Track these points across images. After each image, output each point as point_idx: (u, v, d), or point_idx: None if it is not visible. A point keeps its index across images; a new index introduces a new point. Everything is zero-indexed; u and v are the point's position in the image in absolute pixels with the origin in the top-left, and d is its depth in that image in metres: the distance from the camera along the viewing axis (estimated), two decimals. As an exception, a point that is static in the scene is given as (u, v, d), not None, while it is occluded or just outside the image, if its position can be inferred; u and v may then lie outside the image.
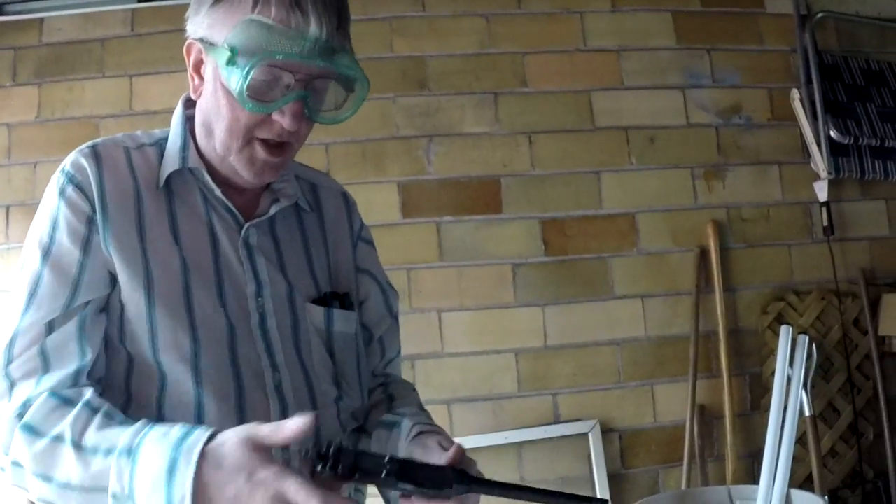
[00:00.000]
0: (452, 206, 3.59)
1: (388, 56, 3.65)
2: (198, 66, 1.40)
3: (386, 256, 3.55)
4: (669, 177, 3.72)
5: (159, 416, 1.30)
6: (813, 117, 3.75)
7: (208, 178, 1.42)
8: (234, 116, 1.35)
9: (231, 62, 1.28)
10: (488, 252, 3.59)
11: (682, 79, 3.80)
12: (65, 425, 1.19)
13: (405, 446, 1.37)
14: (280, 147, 1.39)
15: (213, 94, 1.37)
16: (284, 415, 1.36)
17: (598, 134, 3.71)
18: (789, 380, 1.66)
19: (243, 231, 1.43)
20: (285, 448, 1.26)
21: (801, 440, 3.33)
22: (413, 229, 3.56)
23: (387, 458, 1.13)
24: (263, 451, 1.09)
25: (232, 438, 1.10)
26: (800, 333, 1.73)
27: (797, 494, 1.66)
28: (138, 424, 1.18)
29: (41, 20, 3.59)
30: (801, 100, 3.78)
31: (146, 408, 1.31)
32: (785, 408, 1.66)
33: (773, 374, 1.71)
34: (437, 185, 3.60)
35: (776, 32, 3.89)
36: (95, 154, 1.39)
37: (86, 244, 1.32)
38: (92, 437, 1.18)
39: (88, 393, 1.25)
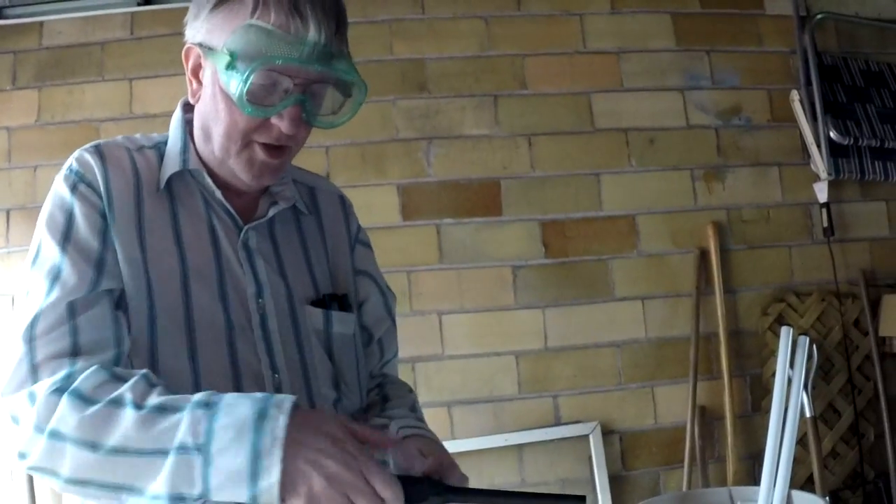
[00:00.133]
0: (452, 208, 3.59)
1: (388, 58, 3.65)
2: (196, 70, 1.41)
3: (386, 259, 3.55)
4: (669, 178, 3.72)
5: None
6: (813, 118, 3.75)
7: (209, 181, 1.43)
8: (232, 120, 1.35)
9: (230, 66, 1.29)
10: (488, 254, 3.59)
11: (681, 80, 3.80)
12: (123, 391, 1.17)
13: (391, 451, 1.37)
14: (279, 149, 1.39)
15: (211, 98, 1.38)
16: None
17: (597, 135, 3.71)
18: (790, 381, 1.66)
19: (242, 233, 1.44)
20: None
21: (801, 441, 3.33)
22: (413, 231, 3.56)
23: None
24: (348, 425, 1.17)
25: (322, 410, 1.19)
26: (800, 334, 1.73)
27: (798, 495, 1.66)
28: (208, 391, 1.18)
29: (41, 24, 3.59)
30: (801, 101, 3.78)
31: None
32: (786, 409, 1.65)
33: (773, 375, 1.70)
34: (436, 187, 3.60)
35: (776, 34, 3.89)
36: (101, 153, 1.39)
37: (104, 236, 1.33)
38: (155, 399, 1.16)
39: (141, 371, 1.22)
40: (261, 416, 1.11)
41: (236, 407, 1.13)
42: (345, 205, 1.71)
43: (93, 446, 1.14)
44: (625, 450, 3.57)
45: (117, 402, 1.16)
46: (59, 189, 1.36)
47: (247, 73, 1.27)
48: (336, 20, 1.33)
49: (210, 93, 1.38)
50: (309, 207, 1.60)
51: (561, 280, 3.60)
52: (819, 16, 3.87)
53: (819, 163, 3.73)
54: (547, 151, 3.67)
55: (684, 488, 3.46)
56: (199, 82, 1.41)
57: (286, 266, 1.49)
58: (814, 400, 3.49)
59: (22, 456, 1.19)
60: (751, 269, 3.73)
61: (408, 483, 1.16)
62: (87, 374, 1.19)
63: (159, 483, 1.11)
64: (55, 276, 1.28)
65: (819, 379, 3.62)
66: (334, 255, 1.60)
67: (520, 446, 3.50)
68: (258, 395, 1.16)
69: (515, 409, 3.54)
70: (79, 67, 3.58)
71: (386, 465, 1.34)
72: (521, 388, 3.55)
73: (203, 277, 1.38)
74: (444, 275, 3.56)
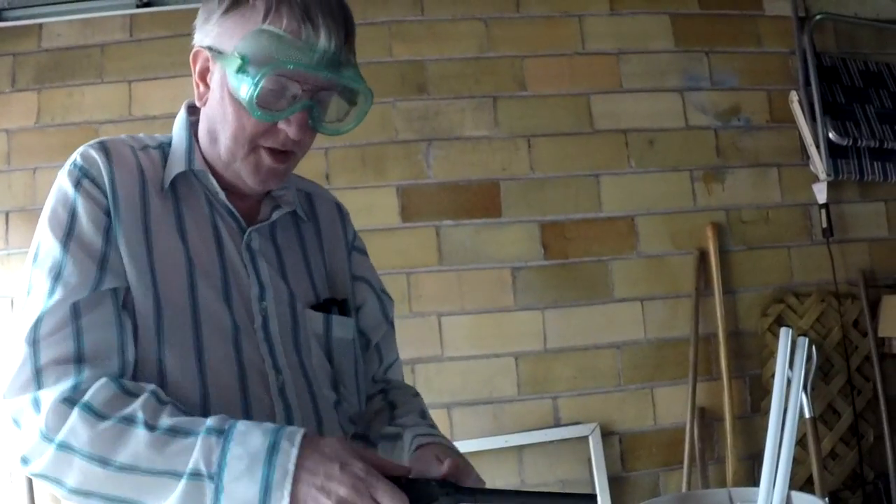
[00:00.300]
0: (452, 209, 3.60)
1: (388, 60, 3.66)
2: (204, 73, 1.42)
3: (386, 260, 3.57)
4: (669, 179, 3.72)
5: None
6: (812, 119, 3.75)
7: (213, 182, 1.44)
8: (239, 124, 1.36)
9: (241, 70, 1.30)
10: (488, 256, 3.59)
11: (680, 81, 3.80)
12: (135, 408, 1.18)
13: (408, 461, 1.40)
14: (284, 154, 1.41)
15: (219, 101, 1.38)
16: (289, 417, 1.37)
17: (597, 137, 3.71)
18: (789, 382, 1.66)
19: (246, 235, 1.44)
20: None
21: (801, 442, 3.33)
22: (413, 233, 3.56)
23: None
24: (358, 450, 1.20)
25: (331, 437, 1.21)
26: (800, 335, 1.73)
27: (798, 496, 1.66)
28: (219, 415, 1.21)
29: (40, 26, 3.59)
30: (800, 102, 3.78)
31: None
32: (785, 410, 1.65)
33: (772, 376, 1.70)
34: (436, 188, 3.61)
35: (775, 34, 3.90)
36: (106, 149, 1.39)
37: (107, 233, 1.32)
38: (167, 420, 1.18)
39: (150, 386, 1.24)
40: (273, 449, 1.15)
41: (248, 437, 1.16)
42: (341, 212, 1.72)
43: (103, 462, 1.16)
44: (624, 451, 3.57)
45: (129, 420, 1.18)
46: (62, 184, 1.35)
47: (258, 78, 1.29)
48: (345, 29, 1.35)
49: (218, 96, 1.38)
50: (307, 213, 1.62)
51: (560, 281, 3.60)
52: (818, 16, 3.88)
53: (818, 163, 3.73)
54: (546, 153, 3.67)
55: (684, 489, 3.46)
56: (207, 85, 1.42)
57: (288, 269, 1.50)
58: (813, 401, 3.49)
59: (25, 461, 1.20)
60: (750, 270, 3.73)
61: (419, 485, 1.20)
62: (98, 388, 1.20)
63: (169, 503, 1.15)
64: (57, 275, 1.27)
65: (818, 380, 3.63)
66: (332, 261, 1.61)
67: (519, 447, 3.51)
68: (269, 425, 1.19)
69: (515, 410, 3.54)
70: (78, 69, 3.58)
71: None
72: (520, 389, 3.55)
73: (208, 277, 1.38)
74: (444, 276, 3.57)
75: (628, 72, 3.78)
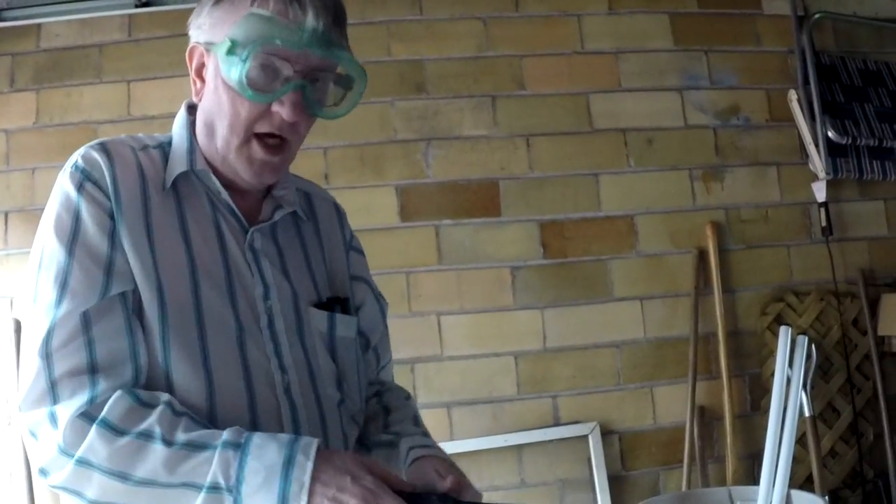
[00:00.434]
0: (451, 209, 3.59)
1: (386, 60, 3.66)
2: (199, 69, 1.43)
3: (385, 260, 3.57)
4: (668, 178, 3.72)
5: None
6: (811, 118, 3.75)
7: (215, 181, 1.44)
8: (235, 111, 1.37)
9: (230, 52, 1.32)
10: (487, 255, 3.59)
11: (679, 80, 3.80)
12: (151, 423, 1.20)
13: (404, 472, 1.42)
14: (279, 147, 1.41)
15: (214, 91, 1.40)
16: (294, 417, 1.38)
17: (596, 136, 3.71)
18: (789, 380, 1.66)
19: (249, 235, 1.44)
20: None
21: (801, 441, 3.33)
22: (412, 233, 3.56)
23: None
24: (367, 464, 1.23)
25: (343, 451, 1.30)
26: (799, 334, 1.73)
27: (797, 495, 1.66)
28: (234, 427, 1.24)
29: (39, 26, 3.59)
30: (799, 100, 3.78)
31: None
32: (785, 408, 1.66)
33: (772, 374, 1.71)
34: (435, 188, 3.60)
35: (773, 33, 3.90)
36: (107, 150, 1.39)
37: (112, 237, 1.32)
38: (183, 434, 1.21)
39: (165, 396, 1.26)
40: (288, 463, 1.18)
41: (265, 450, 1.20)
42: (339, 212, 1.73)
43: (122, 477, 1.19)
44: (624, 450, 3.57)
45: (147, 436, 1.20)
46: (64, 187, 1.34)
47: (245, 54, 1.31)
48: (334, 12, 1.37)
49: (213, 87, 1.40)
50: (307, 213, 1.62)
51: (560, 280, 3.60)
52: (817, 15, 3.88)
53: (817, 162, 3.73)
54: (545, 152, 3.67)
55: (684, 488, 3.46)
56: (203, 81, 1.43)
57: (289, 268, 1.50)
58: (813, 399, 3.49)
59: (44, 473, 1.23)
60: (749, 269, 3.73)
61: (422, 500, 1.25)
62: (114, 402, 1.21)
63: None
64: (64, 283, 1.27)
65: (818, 378, 3.63)
66: (331, 260, 1.61)
67: (519, 447, 3.50)
68: (283, 437, 1.22)
69: (515, 409, 3.54)
70: (77, 69, 3.57)
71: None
72: (520, 388, 3.55)
73: (212, 277, 1.38)
74: (443, 276, 3.56)
75: (627, 71, 3.78)
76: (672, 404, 3.59)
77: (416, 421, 1.61)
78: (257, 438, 1.21)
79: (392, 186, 3.59)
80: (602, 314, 3.62)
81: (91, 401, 1.21)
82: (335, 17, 1.37)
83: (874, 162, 3.79)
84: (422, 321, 3.54)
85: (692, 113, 3.79)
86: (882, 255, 3.83)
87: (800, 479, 3.49)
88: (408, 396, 1.70)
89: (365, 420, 1.60)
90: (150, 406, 1.23)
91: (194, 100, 1.46)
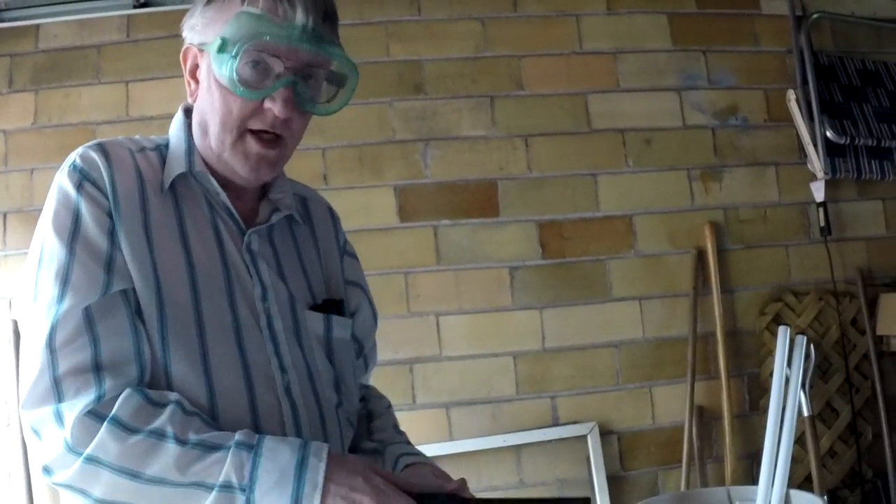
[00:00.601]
0: (449, 209, 3.59)
1: (385, 60, 3.65)
2: (193, 70, 1.44)
3: (383, 260, 3.57)
4: (666, 178, 3.73)
5: None
6: (809, 118, 3.75)
7: (214, 182, 1.44)
8: (226, 108, 1.38)
9: (221, 49, 1.33)
10: (486, 255, 3.59)
11: (678, 80, 3.81)
12: (163, 422, 1.21)
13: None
14: (274, 141, 1.41)
15: (207, 90, 1.40)
16: (295, 417, 1.39)
17: (594, 136, 3.71)
18: (787, 380, 1.66)
19: (246, 237, 1.45)
20: None
21: (799, 440, 3.34)
22: (410, 233, 3.56)
23: None
24: (374, 467, 1.28)
25: (350, 455, 1.35)
26: (798, 334, 1.73)
27: (796, 495, 1.66)
28: (244, 430, 1.25)
29: (37, 27, 3.59)
30: (798, 100, 3.78)
31: None
32: (783, 408, 1.65)
33: (771, 374, 1.71)
34: (434, 188, 3.60)
35: (772, 33, 3.90)
36: (105, 151, 1.39)
37: (112, 235, 1.32)
38: (195, 434, 1.22)
39: (174, 395, 1.26)
40: (301, 464, 1.21)
41: (278, 452, 1.22)
42: (333, 216, 1.73)
43: (132, 475, 1.19)
44: (623, 450, 3.57)
45: (159, 435, 1.21)
46: (63, 186, 1.34)
47: (235, 50, 1.32)
48: (324, 10, 1.38)
49: (206, 86, 1.40)
50: (303, 217, 1.62)
51: (558, 281, 3.60)
52: (815, 15, 3.88)
53: (816, 162, 3.74)
54: (544, 152, 3.67)
55: (682, 488, 3.46)
56: (197, 82, 1.44)
57: (286, 271, 1.50)
58: (812, 399, 3.49)
59: (47, 471, 1.22)
60: (748, 269, 3.73)
61: (431, 499, 1.29)
62: (124, 400, 1.22)
63: None
64: (65, 280, 1.27)
65: (817, 378, 3.63)
66: (327, 264, 1.62)
67: (518, 447, 3.50)
68: (295, 441, 1.25)
69: (513, 409, 3.54)
70: (75, 70, 3.57)
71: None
72: (518, 388, 3.55)
73: (211, 278, 1.38)
74: (442, 276, 3.56)
75: (625, 71, 3.78)
76: (671, 404, 3.59)
77: (398, 429, 1.65)
78: (270, 441, 1.23)
79: (390, 187, 3.59)
80: (601, 314, 3.62)
81: (98, 399, 1.21)
82: (325, 14, 1.38)
83: (872, 162, 3.79)
84: (420, 321, 3.54)
85: (690, 113, 3.79)
86: (880, 254, 3.83)
87: (799, 479, 3.49)
88: (389, 405, 1.74)
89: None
90: (160, 405, 1.23)
91: (189, 99, 1.47)
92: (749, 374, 3.67)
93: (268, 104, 1.36)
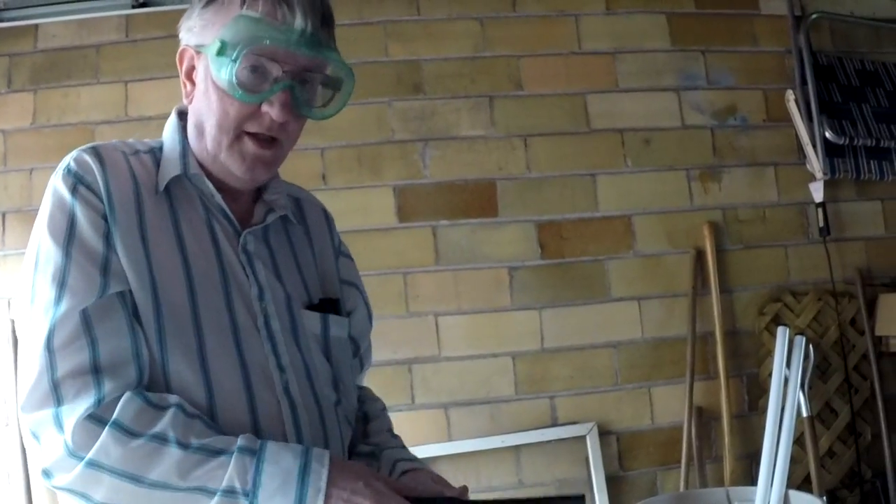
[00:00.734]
0: (448, 209, 3.59)
1: (383, 60, 3.65)
2: (190, 71, 1.45)
3: (382, 261, 3.58)
4: (665, 179, 3.73)
5: None
6: (808, 118, 3.75)
7: (209, 184, 1.44)
8: (223, 111, 1.38)
9: (220, 53, 1.33)
10: (484, 255, 3.59)
11: (676, 80, 3.81)
12: (164, 425, 1.22)
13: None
14: (270, 142, 1.42)
15: (204, 93, 1.40)
16: (294, 416, 1.39)
17: (593, 136, 3.71)
18: (787, 380, 1.66)
19: (242, 238, 1.45)
20: None
21: (798, 441, 3.33)
22: (409, 233, 3.56)
23: None
24: (375, 473, 1.31)
25: (351, 461, 1.38)
26: (797, 334, 1.74)
27: (795, 495, 1.67)
28: (246, 434, 1.27)
29: (36, 26, 3.59)
30: (797, 101, 3.78)
31: None
32: (782, 408, 1.66)
33: (770, 374, 1.71)
34: (432, 188, 3.60)
35: (771, 33, 3.90)
36: (99, 155, 1.39)
37: (107, 238, 1.32)
38: (198, 438, 1.22)
39: (174, 398, 1.26)
40: (304, 470, 1.23)
41: (281, 457, 1.23)
42: (327, 217, 1.74)
43: (135, 479, 1.19)
44: (622, 450, 3.57)
45: (161, 439, 1.21)
46: (58, 189, 1.34)
47: (235, 54, 1.32)
48: (322, 14, 1.39)
49: (203, 88, 1.41)
50: (297, 218, 1.63)
51: (557, 281, 3.60)
52: (814, 15, 3.88)
53: (815, 162, 3.74)
54: (543, 152, 3.67)
55: (681, 488, 3.46)
56: (193, 83, 1.44)
57: (282, 271, 1.51)
58: (810, 399, 3.49)
59: (47, 474, 1.23)
60: (747, 269, 3.73)
61: (431, 502, 1.33)
62: (125, 403, 1.22)
63: None
64: (62, 282, 1.27)
65: (816, 378, 3.63)
66: (322, 264, 1.63)
67: (517, 447, 3.50)
68: (297, 447, 1.26)
69: (512, 410, 3.54)
70: (74, 70, 3.57)
71: None
72: (517, 389, 3.55)
73: (207, 279, 1.39)
74: (441, 276, 3.56)
75: (624, 71, 3.78)
76: (670, 404, 3.59)
77: (393, 433, 1.66)
78: (272, 446, 1.24)
79: (389, 187, 3.59)
80: (599, 314, 3.62)
81: (98, 402, 1.21)
82: (323, 18, 1.39)
83: (871, 162, 3.79)
84: (419, 322, 3.54)
85: (689, 113, 3.79)
86: (879, 254, 3.83)
87: (798, 480, 3.49)
88: (383, 408, 1.74)
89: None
90: (161, 408, 1.24)
91: (185, 101, 1.47)
92: (748, 374, 3.67)
93: (265, 108, 1.37)
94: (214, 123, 1.39)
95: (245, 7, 1.34)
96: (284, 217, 1.57)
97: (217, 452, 1.21)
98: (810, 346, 1.73)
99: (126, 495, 1.19)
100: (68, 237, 1.30)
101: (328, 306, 1.55)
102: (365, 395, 1.73)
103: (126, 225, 1.34)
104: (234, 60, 1.32)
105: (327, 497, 1.20)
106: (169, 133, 1.50)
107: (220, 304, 1.38)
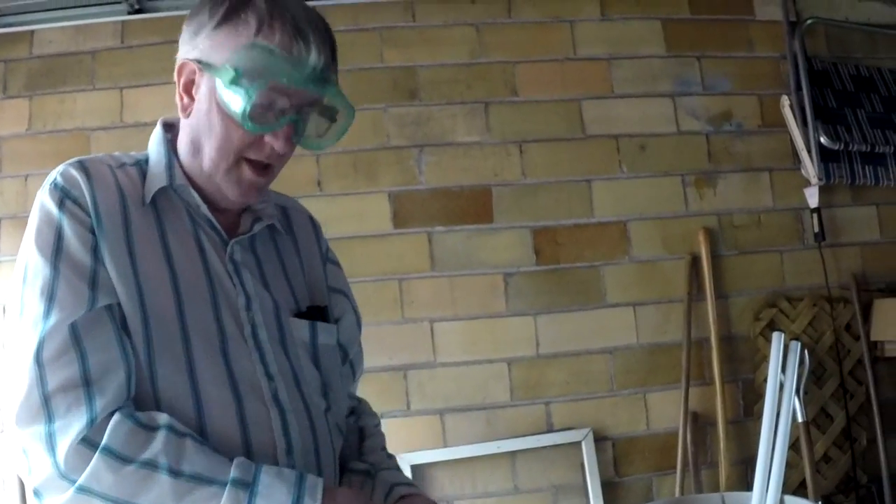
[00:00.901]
0: (444, 215, 3.60)
1: (379, 66, 3.65)
2: (189, 86, 1.43)
3: (377, 267, 3.57)
4: (660, 184, 3.73)
5: None
6: (803, 123, 3.76)
7: (195, 196, 1.44)
8: (227, 136, 1.38)
9: (234, 82, 1.32)
10: (480, 261, 3.59)
11: (672, 86, 3.81)
12: (155, 451, 1.21)
13: None
14: (265, 169, 1.43)
15: (206, 113, 1.39)
16: (284, 424, 1.38)
17: (588, 142, 3.72)
18: (782, 386, 1.66)
19: (228, 247, 1.45)
20: None
21: (794, 446, 3.34)
22: (405, 239, 3.56)
23: None
24: (367, 501, 1.32)
25: (344, 488, 1.36)
26: (792, 339, 1.74)
27: (791, 500, 1.67)
28: (240, 460, 1.26)
29: (32, 32, 3.58)
30: (792, 106, 3.79)
31: None
32: (778, 414, 1.66)
33: (765, 380, 1.71)
34: (428, 194, 3.60)
35: (766, 39, 3.91)
36: (85, 169, 1.39)
37: (95, 251, 1.32)
38: (189, 464, 1.22)
39: (163, 417, 1.26)
40: (296, 503, 1.23)
41: (274, 489, 1.23)
42: (314, 225, 1.74)
43: None
44: (617, 456, 3.57)
45: (152, 465, 1.21)
46: (45, 204, 1.35)
47: (252, 91, 1.31)
48: (331, 47, 1.39)
49: (205, 108, 1.39)
50: (284, 226, 1.63)
51: (552, 287, 3.60)
52: (809, 21, 3.89)
53: (810, 168, 3.74)
54: (538, 158, 3.68)
55: (677, 494, 3.46)
56: (192, 98, 1.43)
57: (269, 280, 1.51)
58: (806, 405, 3.49)
59: (38, 495, 1.23)
60: (742, 275, 3.73)
61: None
62: (114, 427, 1.21)
63: None
64: (51, 296, 1.27)
65: (811, 383, 3.63)
66: (309, 271, 1.63)
67: (512, 453, 3.50)
68: (291, 475, 1.26)
69: (508, 416, 3.53)
70: (70, 76, 3.57)
71: None
72: (513, 394, 3.55)
73: (195, 290, 1.39)
74: (436, 282, 3.56)
75: (620, 77, 3.79)
76: (665, 410, 3.59)
77: (388, 453, 1.66)
78: (266, 477, 1.24)
79: (385, 193, 3.59)
80: (595, 320, 3.62)
81: (91, 422, 1.20)
82: (332, 53, 1.40)
83: (866, 167, 3.79)
84: (415, 328, 3.54)
85: (685, 119, 3.79)
86: (874, 260, 3.84)
87: (793, 485, 3.49)
88: (378, 423, 1.74)
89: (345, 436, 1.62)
90: (151, 429, 1.23)
91: (180, 114, 1.46)
92: (743, 379, 3.67)
93: (268, 138, 1.38)
94: (215, 146, 1.39)
95: (260, 36, 1.33)
96: (271, 226, 1.58)
97: (209, 482, 1.21)
98: (806, 352, 1.73)
99: None
100: (56, 251, 1.30)
101: (316, 314, 1.55)
102: (362, 409, 1.73)
103: (113, 237, 1.35)
104: (249, 96, 1.31)
105: None
106: (154, 145, 1.50)
107: (208, 314, 1.38)
